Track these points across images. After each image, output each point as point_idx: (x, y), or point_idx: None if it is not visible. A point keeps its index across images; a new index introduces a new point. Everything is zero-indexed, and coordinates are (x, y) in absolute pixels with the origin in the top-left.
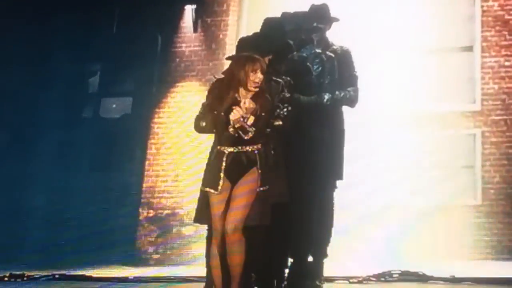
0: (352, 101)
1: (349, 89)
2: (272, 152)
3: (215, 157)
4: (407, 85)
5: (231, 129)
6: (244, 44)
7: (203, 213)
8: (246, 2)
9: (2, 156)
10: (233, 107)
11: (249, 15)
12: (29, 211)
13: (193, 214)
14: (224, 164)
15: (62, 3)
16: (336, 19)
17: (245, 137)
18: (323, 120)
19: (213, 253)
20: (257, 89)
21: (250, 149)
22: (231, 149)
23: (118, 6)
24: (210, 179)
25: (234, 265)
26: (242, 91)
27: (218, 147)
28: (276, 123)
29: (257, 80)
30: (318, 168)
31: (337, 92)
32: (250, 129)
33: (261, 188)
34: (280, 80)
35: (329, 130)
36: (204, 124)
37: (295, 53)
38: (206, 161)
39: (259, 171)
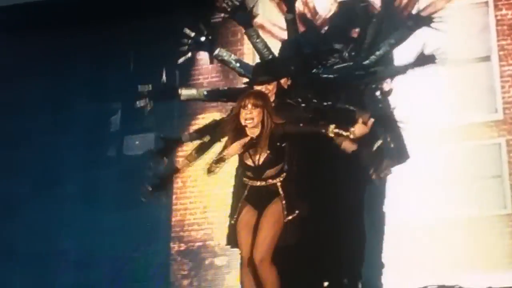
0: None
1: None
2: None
3: (239, 187)
4: (427, 98)
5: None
6: (259, 69)
7: (231, 236)
8: (260, 30)
9: (27, 203)
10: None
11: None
12: (59, 253)
13: (224, 244)
14: (246, 193)
15: (77, 43)
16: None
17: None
18: None
19: (242, 280)
20: (251, 125)
21: (271, 182)
22: (251, 183)
23: (132, 43)
24: (232, 208)
25: None
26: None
27: (243, 178)
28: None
29: (247, 116)
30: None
31: None
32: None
33: (289, 217)
34: (293, 103)
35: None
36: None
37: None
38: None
39: (283, 201)
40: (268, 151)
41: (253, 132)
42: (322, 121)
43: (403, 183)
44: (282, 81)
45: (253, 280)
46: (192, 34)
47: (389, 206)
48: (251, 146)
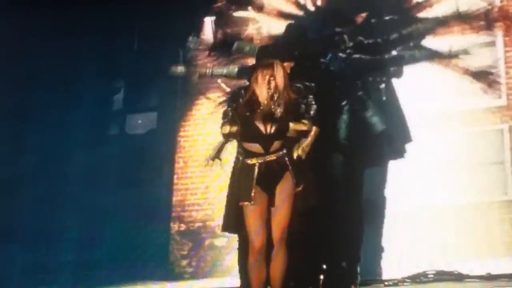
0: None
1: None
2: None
3: (243, 170)
4: (430, 84)
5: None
6: (263, 52)
7: (230, 222)
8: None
9: (29, 178)
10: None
11: (269, 23)
12: (60, 231)
13: None
14: (256, 175)
15: (80, 22)
16: (356, 22)
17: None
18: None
19: (251, 266)
20: (268, 95)
21: (279, 155)
22: (260, 160)
23: (137, 22)
24: (242, 192)
25: (278, 275)
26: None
27: (246, 160)
28: (300, 127)
29: (270, 87)
30: (345, 173)
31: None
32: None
33: (298, 189)
34: (301, 86)
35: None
36: (235, 129)
37: (321, 59)
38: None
39: (292, 173)
40: (282, 121)
41: (269, 101)
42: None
43: (404, 167)
44: (285, 64)
45: (263, 268)
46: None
47: (389, 191)
48: (265, 113)
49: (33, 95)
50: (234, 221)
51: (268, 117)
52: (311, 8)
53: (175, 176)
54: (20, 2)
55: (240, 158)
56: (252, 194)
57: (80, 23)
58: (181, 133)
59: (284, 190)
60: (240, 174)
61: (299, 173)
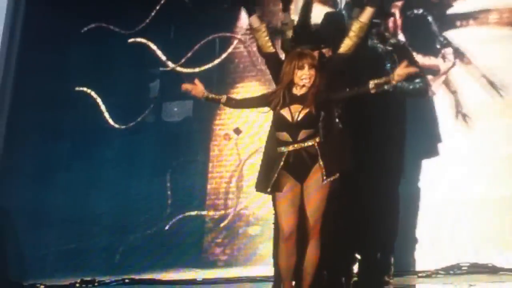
0: (420, 92)
1: (416, 80)
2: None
3: (272, 158)
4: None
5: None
6: (302, 37)
7: (262, 183)
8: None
9: (65, 164)
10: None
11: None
12: (94, 217)
13: (258, 214)
14: (283, 163)
15: (121, 8)
16: (392, 14)
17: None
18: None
19: (281, 253)
20: (308, 84)
21: (310, 144)
22: (290, 148)
23: (174, 11)
24: (272, 181)
25: (311, 264)
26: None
27: (277, 148)
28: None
29: (304, 77)
30: (381, 163)
31: (403, 83)
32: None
33: (330, 179)
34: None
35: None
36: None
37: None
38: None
39: (323, 165)
40: (311, 109)
41: (301, 90)
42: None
43: (438, 160)
44: (324, 50)
45: (293, 256)
46: None
47: (424, 182)
48: (294, 102)
49: (71, 82)
50: (266, 182)
51: (296, 106)
52: None
53: (210, 164)
54: None
55: (272, 150)
56: (272, 183)
57: (121, 9)
58: (217, 122)
59: (314, 182)
60: (273, 161)
61: (332, 162)
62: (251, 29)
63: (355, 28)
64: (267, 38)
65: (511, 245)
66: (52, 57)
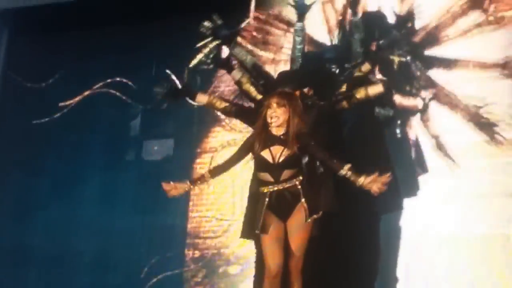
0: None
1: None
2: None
3: (256, 199)
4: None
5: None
6: (284, 78)
7: (249, 230)
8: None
9: (45, 202)
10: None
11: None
12: (74, 256)
13: (239, 253)
14: (266, 204)
15: (99, 46)
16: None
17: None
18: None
19: None
20: (275, 124)
21: (292, 183)
22: (272, 188)
23: (156, 48)
24: (260, 222)
25: None
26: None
27: (259, 188)
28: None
29: (272, 115)
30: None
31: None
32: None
33: (316, 216)
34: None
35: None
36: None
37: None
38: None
39: (305, 205)
40: (291, 150)
41: (279, 131)
42: None
43: (421, 197)
44: (305, 90)
45: None
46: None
47: (405, 221)
48: (275, 143)
49: (50, 119)
50: (252, 229)
51: (278, 147)
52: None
53: (191, 203)
54: (43, 26)
55: (255, 190)
56: (260, 224)
57: (99, 46)
58: (198, 160)
59: (296, 221)
60: (256, 202)
61: (314, 201)
62: (236, 83)
63: (359, 96)
64: (252, 87)
65: (494, 285)
66: (31, 93)
